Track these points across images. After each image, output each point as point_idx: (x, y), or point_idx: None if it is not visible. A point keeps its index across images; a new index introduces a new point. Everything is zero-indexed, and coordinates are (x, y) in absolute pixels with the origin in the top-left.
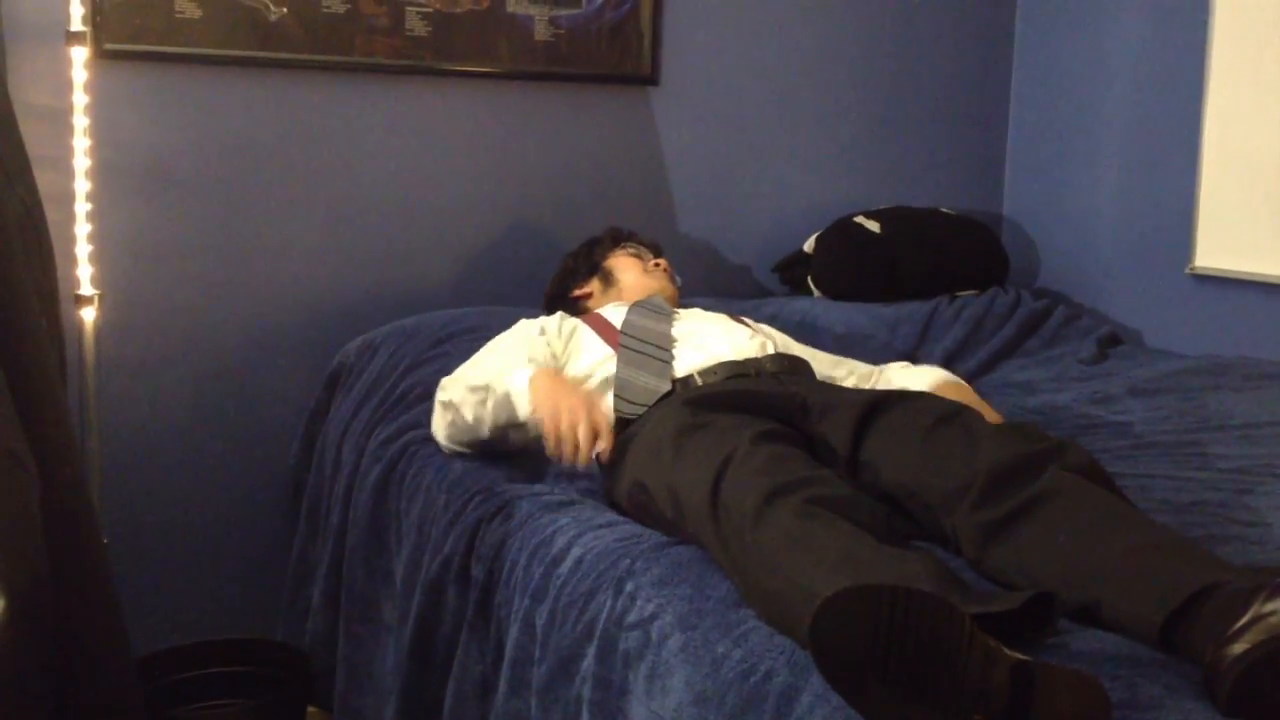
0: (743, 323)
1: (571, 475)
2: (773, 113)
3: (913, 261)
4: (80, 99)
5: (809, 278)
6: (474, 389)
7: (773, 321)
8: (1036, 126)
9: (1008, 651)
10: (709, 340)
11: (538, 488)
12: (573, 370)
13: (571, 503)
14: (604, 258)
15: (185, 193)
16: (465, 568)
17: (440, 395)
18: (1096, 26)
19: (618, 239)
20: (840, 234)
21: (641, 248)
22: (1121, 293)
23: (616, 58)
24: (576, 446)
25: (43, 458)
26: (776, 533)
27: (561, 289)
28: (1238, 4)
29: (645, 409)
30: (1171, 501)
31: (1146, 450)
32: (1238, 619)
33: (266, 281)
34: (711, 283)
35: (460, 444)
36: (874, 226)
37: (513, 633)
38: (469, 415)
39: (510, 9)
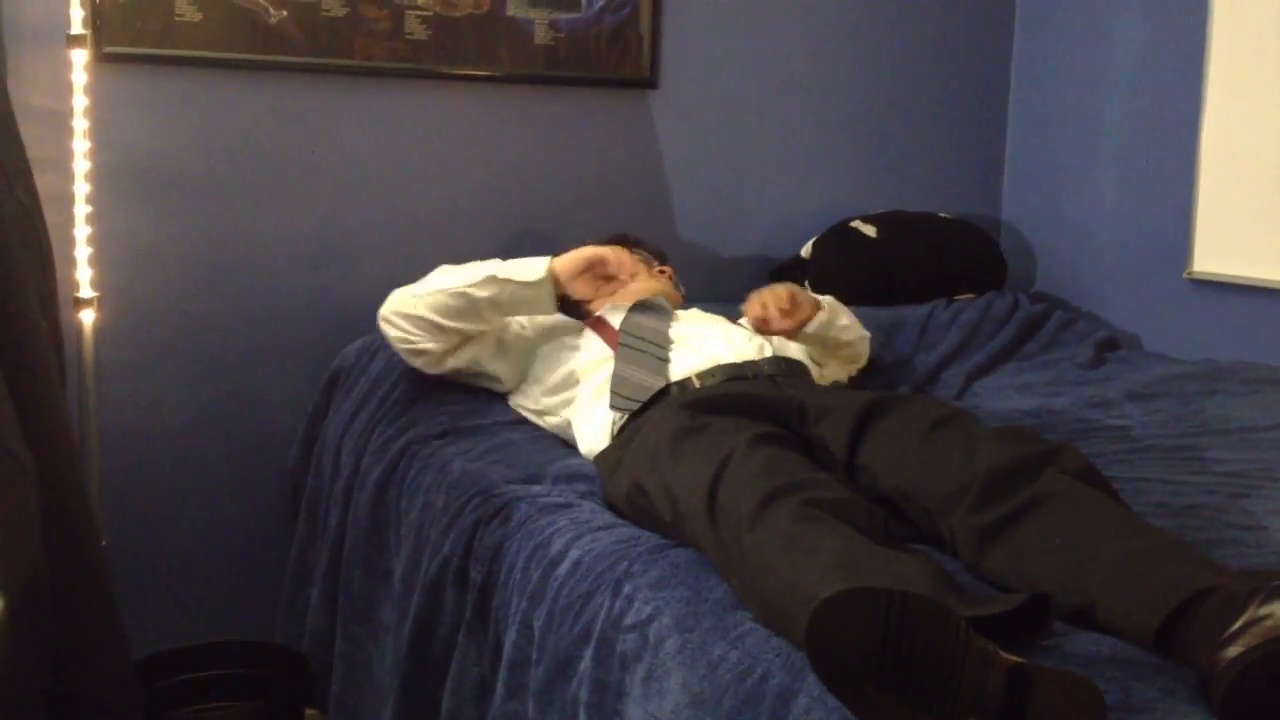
0: (741, 326)
1: (570, 477)
2: (771, 117)
3: (910, 266)
4: (80, 101)
5: (806, 282)
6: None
7: None
8: (1035, 131)
9: (1004, 654)
10: (707, 342)
11: (536, 490)
12: (572, 366)
13: (569, 505)
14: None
15: (185, 195)
16: (463, 569)
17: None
18: (1095, 31)
19: (624, 244)
20: (837, 238)
21: (647, 254)
22: (1119, 297)
23: (616, 61)
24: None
25: (42, 459)
26: (773, 535)
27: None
28: (1236, 10)
29: (639, 405)
30: (1168, 505)
31: (1143, 454)
32: (1233, 622)
33: (266, 284)
34: (709, 286)
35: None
36: (871, 231)
37: (510, 634)
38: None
39: (510, 12)
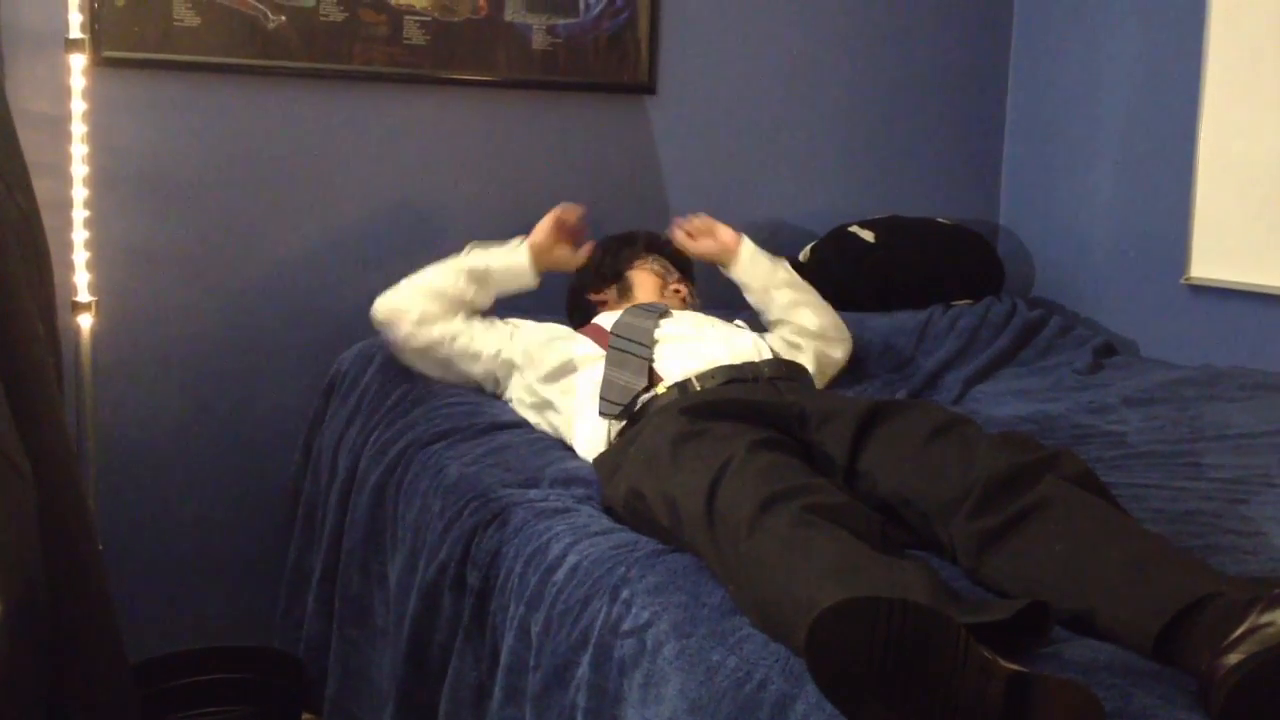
0: (739, 328)
1: (567, 481)
2: (769, 122)
3: (907, 271)
4: (78, 106)
5: None
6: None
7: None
8: (1032, 136)
9: (1003, 663)
10: (705, 343)
11: (533, 494)
12: (570, 355)
13: (567, 509)
14: (628, 265)
15: (183, 200)
16: (461, 574)
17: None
18: (1092, 37)
19: (651, 247)
20: (835, 244)
21: (669, 266)
22: (1117, 302)
23: (614, 67)
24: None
25: (39, 464)
26: (772, 541)
27: (581, 285)
28: (1233, 15)
29: (622, 408)
30: (1166, 511)
31: (1141, 460)
32: (1233, 630)
33: (264, 289)
34: (708, 291)
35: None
36: (869, 236)
37: (508, 640)
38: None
39: (508, 18)
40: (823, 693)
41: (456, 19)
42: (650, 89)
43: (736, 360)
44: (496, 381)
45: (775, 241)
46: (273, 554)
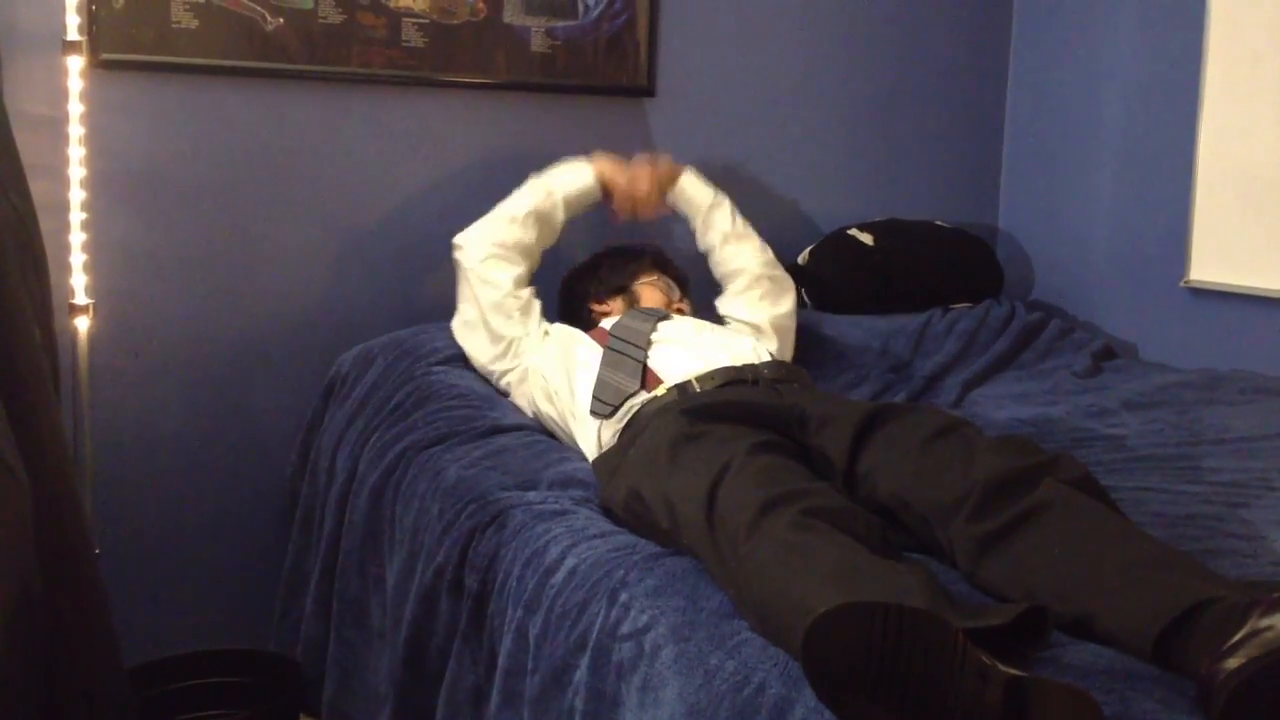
0: (738, 333)
1: (565, 483)
2: (768, 125)
3: (907, 274)
4: (76, 108)
5: (803, 290)
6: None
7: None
8: (1031, 139)
9: (1002, 667)
10: (705, 346)
11: (531, 496)
12: (577, 347)
13: (565, 512)
14: (634, 279)
15: (180, 202)
16: (459, 577)
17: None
18: (1092, 40)
19: (657, 264)
20: (834, 247)
21: (672, 284)
22: (1116, 306)
23: (613, 69)
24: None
25: (35, 468)
26: (771, 544)
27: (582, 293)
28: (1232, 18)
29: (614, 409)
30: (1166, 515)
31: (1141, 464)
32: (1233, 634)
33: (262, 291)
34: (706, 295)
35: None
36: (868, 239)
37: (506, 643)
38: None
39: (507, 20)
40: (819, 698)
41: (455, 21)
42: (649, 92)
43: (736, 362)
44: (504, 350)
45: (775, 244)
46: (270, 557)
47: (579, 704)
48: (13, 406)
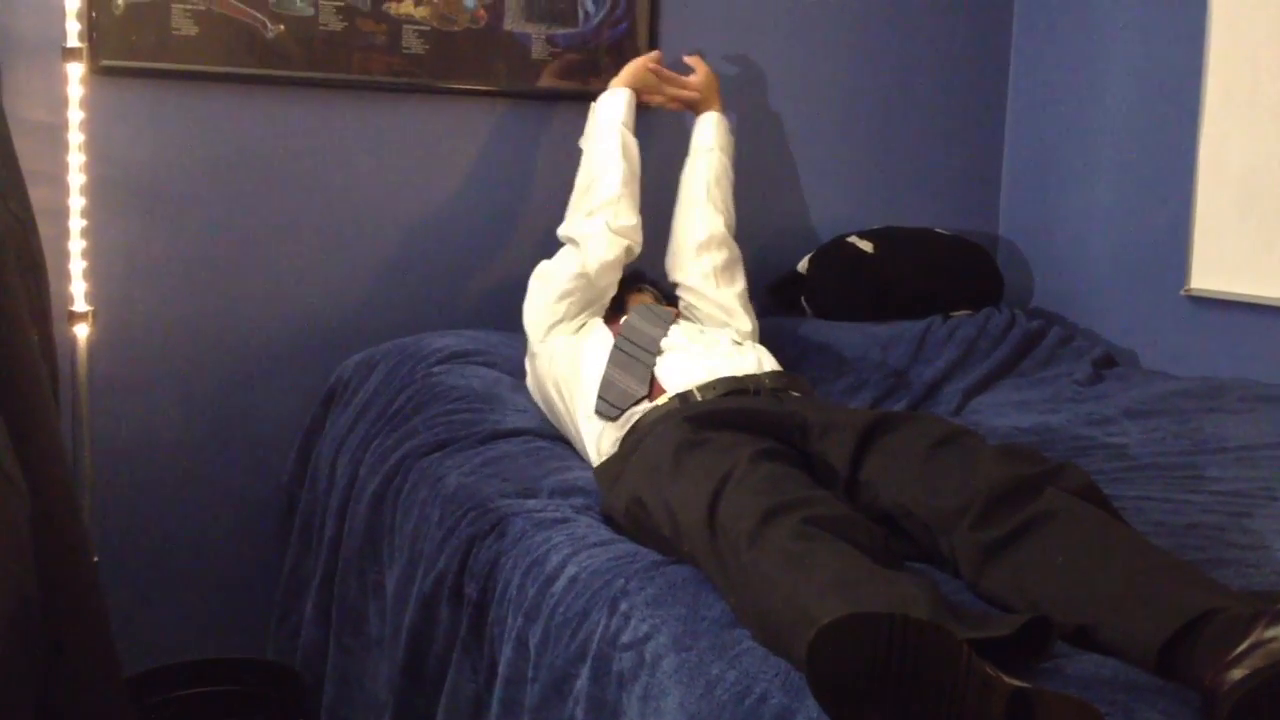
0: (737, 343)
1: (566, 491)
2: (767, 133)
3: (906, 281)
4: (76, 115)
5: (803, 298)
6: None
7: (766, 341)
8: (1032, 147)
9: (1006, 679)
10: (708, 355)
11: (531, 504)
12: (580, 351)
13: (565, 520)
14: (623, 294)
15: (180, 209)
16: (458, 585)
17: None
18: (1092, 47)
19: (637, 280)
20: (834, 254)
21: (659, 294)
22: (1117, 314)
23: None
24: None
25: (33, 475)
26: (773, 553)
27: None
28: (1233, 26)
29: (621, 412)
30: (1168, 524)
31: (1142, 472)
32: (1237, 644)
33: (261, 299)
34: None
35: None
36: (868, 246)
37: (506, 651)
38: (590, 171)
39: (507, 27)
40: (823, 708)
41: (455, 29)
42: None
43: (738, 372)
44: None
45: (774, 251)
46: (268, 565)
47: (579, 713)
48: (11, 414)
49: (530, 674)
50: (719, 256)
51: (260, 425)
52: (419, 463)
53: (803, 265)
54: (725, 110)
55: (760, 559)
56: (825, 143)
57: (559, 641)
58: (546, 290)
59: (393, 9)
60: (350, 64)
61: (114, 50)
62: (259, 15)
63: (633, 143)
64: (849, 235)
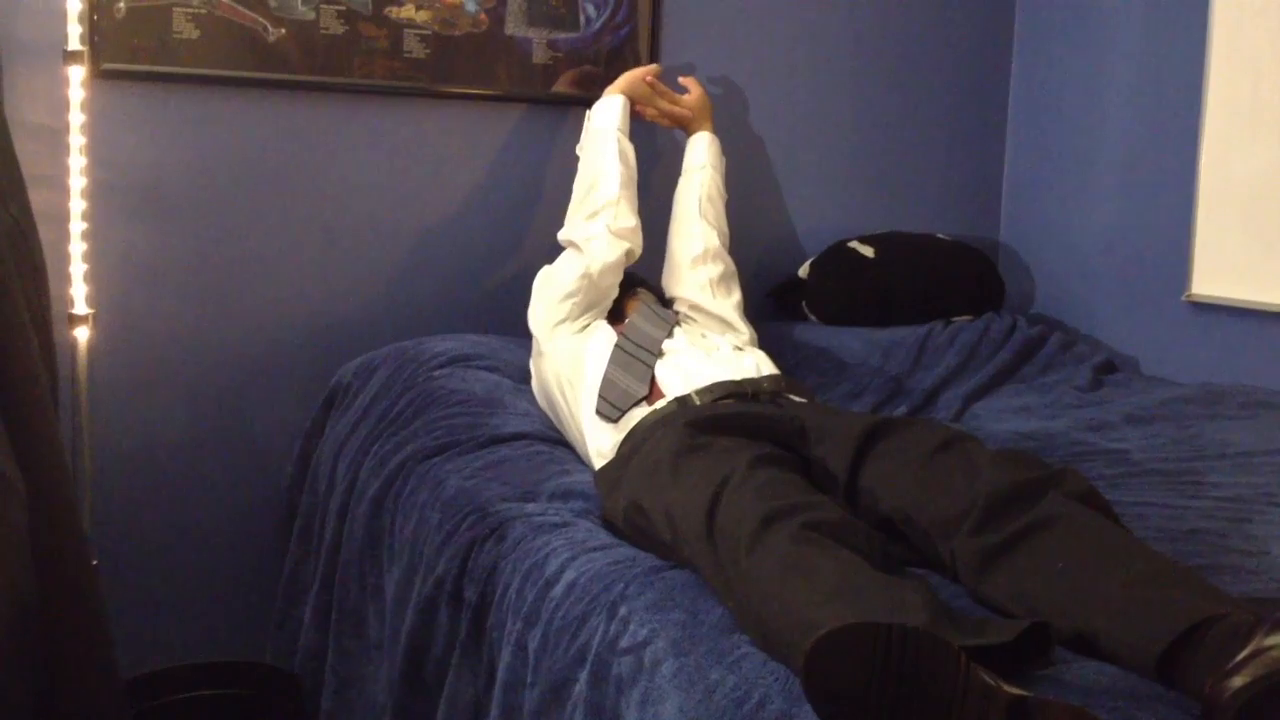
0: (738, 349)
1: (566, 495)
2: (769, 138)
3: (907, 287)
4: (77, 118)
5: (804, 303)
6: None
7: (767, 346)
8: (1033, 152)
9: (1005, 688)
10: (710, 360)
11: (531, 508)
12: (583, 350)
13: (565, 524)
14: (620, 300)
15: (181, 212)
16: (458, 589)
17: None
18: (1094, 52)
19: (631, 284)
20: (835, 259)
21: (655, 298)
22: (1118, 319)
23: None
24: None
25: (33, 478)
26: (772, 558)
27: None
28: (1235, 31)
29: (621, 413)
30: (1168, 530)
31: (1143, 478)
32: (1237, 652)
33: (262, 302)
34: None
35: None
36: (869, 251)
37: (505, 656)
38: (588, 176)
39: (508, 31)
40: (820, 718)
41: (457, 33)
42: None
43: (737, 376)
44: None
45: (775, 256)
46: (268, 568)
47: (578, 718)
48: (11, 417)
49: (529, 678)
50: (715, 269)
51: (260, 428)
52: (419, 466)
53: (804, 270)
54: (716, 131)
55: (759, 564)
56: (827, 147)
57: (558, 646)
58: (551, 292)
59: (394, 13)
60: (351, 68)
61: (115, 53)
62: (260, 19)
63: (629, 147)
64: (850, 240)
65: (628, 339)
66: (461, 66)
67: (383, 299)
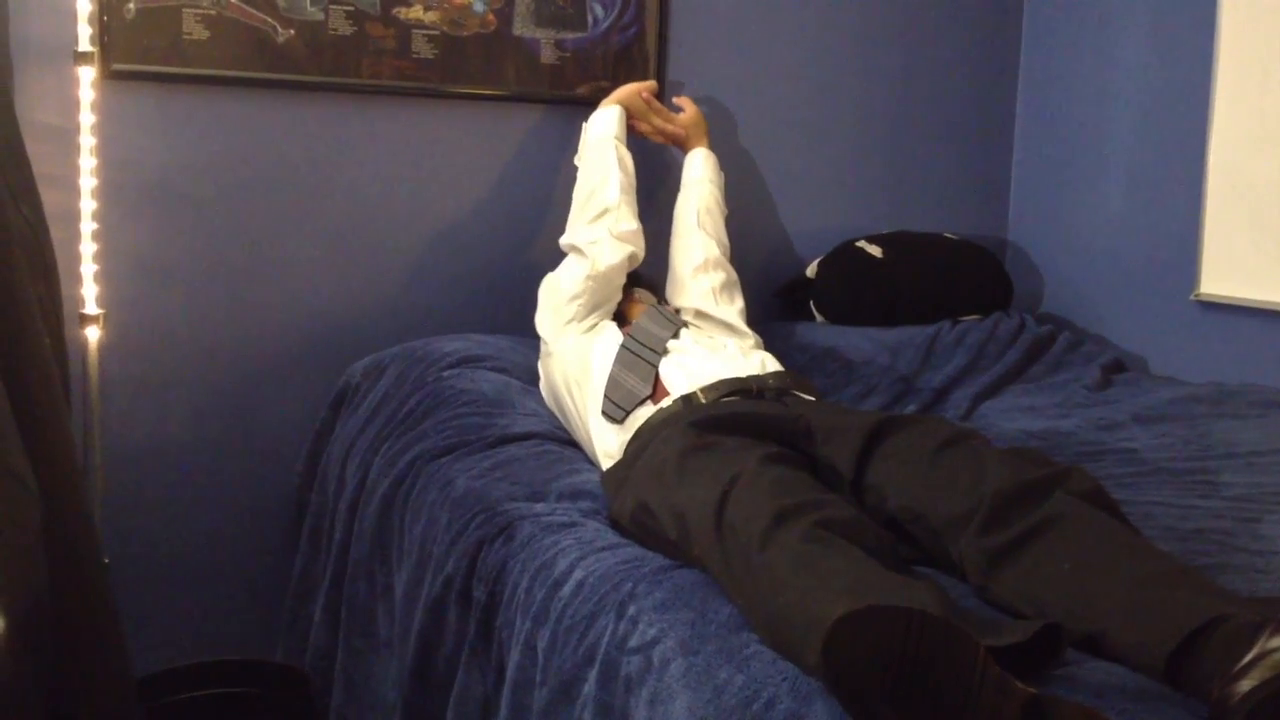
0: (741, 350)
1: (574, 495)
2: (777, 137)
3: (915, 286)
4: (87, 118)
5: (811, 303)
6: (584, 205)
7: (775, 346)
8: (1041, 151)
9: (1020, 685)
10: (715, 358)
11: (539, 508)
12: (590, 350)
13: (574, 524)
14: (625, 300)
15: (191, 212)
16: (467, 588)
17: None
18: (1101, 52)
19: (634, 284)
20: (842, 259)
21: (652, 297)
22: (1126, 319)
23: (622, 82)
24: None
25: (45, 477)
26: (784, 555)
27: None
28: (1243, 30)
29: (626, 413)
30: (1176, 529)
31: (1151, 477)
32: (1243, 655)
33: (271, 302)
34: None
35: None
36: (876, 251)
37: (514, 655)
38: (588, 183)
39: (516, 32)
40: (837, 698)
41: (464, 33)
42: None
43: (742, 373)
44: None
45: (783, 256)
46: (279, 567)
47: (587, 717)
48: (23, 416)
49: (538, 678)
50: (717, 277)
51: (270, 428)
52: (428, 466)
53: (811, 270)
54: (723, 132)
55: (772, 560)
56: (834, 147)
57: (567, 645)
58: (557, 294)
59: (402, 14)
60: (359, 68)
61: (125, 54)
62: (269, 20)
63: (627, 155)
64: (858, 240)
65: (633, 339)
66: (469, 67)
67: (391, 299)
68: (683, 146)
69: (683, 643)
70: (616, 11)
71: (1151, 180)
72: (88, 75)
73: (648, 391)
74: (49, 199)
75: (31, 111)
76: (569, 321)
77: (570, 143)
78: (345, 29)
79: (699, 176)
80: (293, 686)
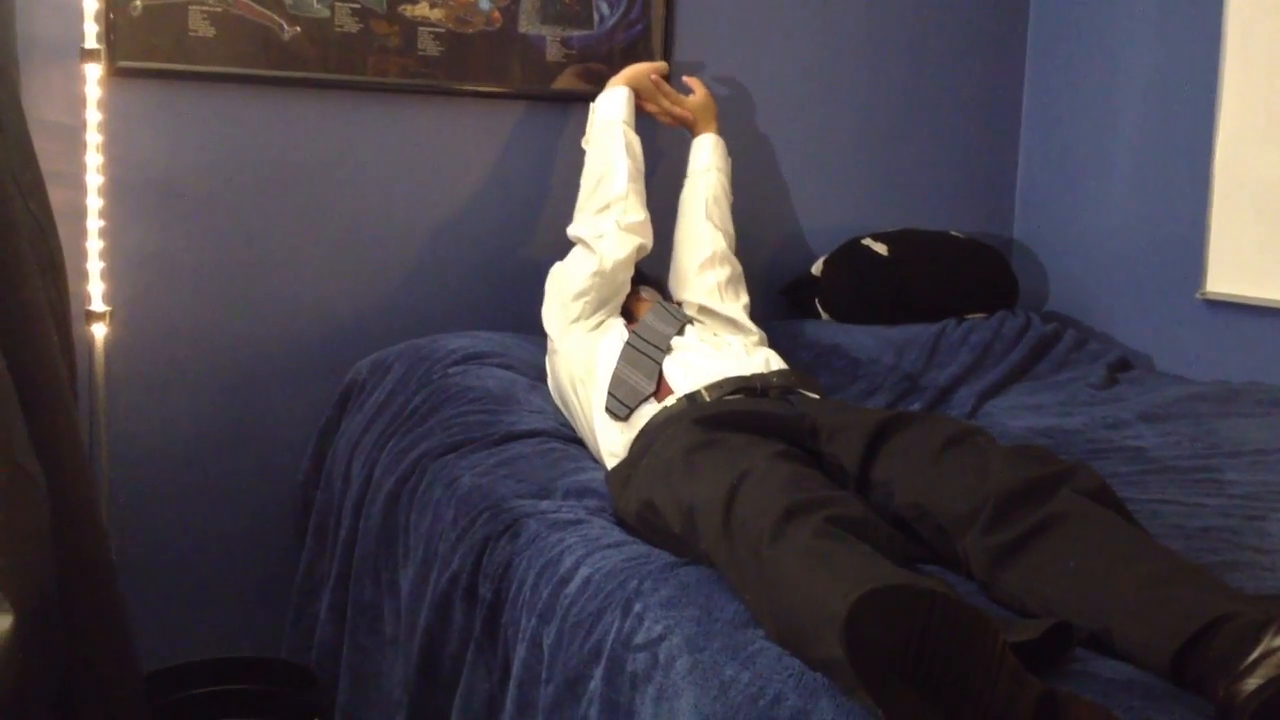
0: (745, 348)
1: (580, 492)
2: (782, 135)
3: (921, 284)
4: (93, 116)
5: (817, 300)
6: (592, 194)
7: (780, 344)
8: (1047, 149)
9: (1035, 680)
10: (720, 356)
11: (545, 505)
12: (596, 348)
13: (579, 521)
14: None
15: (197, 210)
16: (473, 585)
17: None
18: (1108, 51)
19: (638, 281)
20: (848, 257)
21: (656, 294)
22: (1132, 317)
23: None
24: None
25: (53, 474)
26: (795, 550)
27: None
28: (1249, 29)
29: (630, 411)
30: (1182, 527)
31: (1157, 475)
32: (1248, 654)
33: (277, 299)
34: None
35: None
36: (882, 249)
37: (520, 652)
38: (595, 170)
39: (522, 29)
40: (856, 673)
41: (470, 30)
42: None
43: (746, 371)
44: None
45: (788, 254)
46: (285, 564)
47: (593, 714)
48: (31, 413)
49: (544, 675)
50: (723, 273)
51: (276, 425)
52: (434, 463)
53: (817, 268)
54: (729, 129)
55: (782, 556)
56: (840, 145)
57: (573, 642)
58: (563, 290)
59: (408, 11)
60: (365, 66)
61: (132, 52)
62: (275, 17)
63: (635, 139)
64: (863, 238)
65: (639, 336)
66: (475, 64)
67: (397, 296)
68: (691, 130)
69: (689, 639)
70: (622, 9)
71: (1157, 178)
72: (94, 72)
73: (652, 389)
74: (55, 196)
75: (38, 109)
76: (575, 320)
77: (575, 140)
78: (351, 26)
79: (706, 164)
80: (298, 683)
